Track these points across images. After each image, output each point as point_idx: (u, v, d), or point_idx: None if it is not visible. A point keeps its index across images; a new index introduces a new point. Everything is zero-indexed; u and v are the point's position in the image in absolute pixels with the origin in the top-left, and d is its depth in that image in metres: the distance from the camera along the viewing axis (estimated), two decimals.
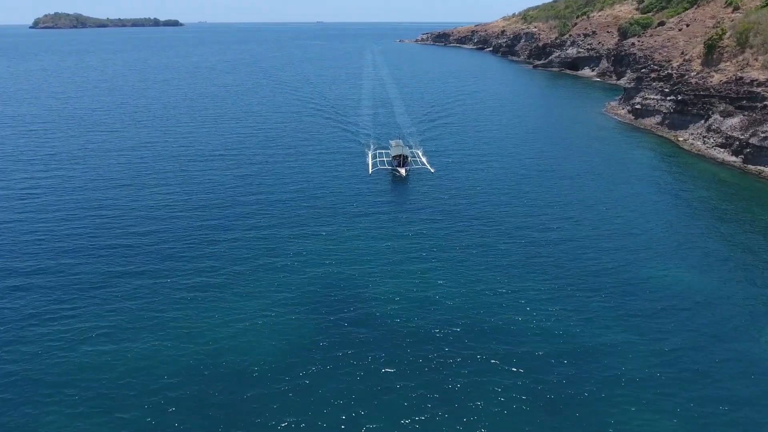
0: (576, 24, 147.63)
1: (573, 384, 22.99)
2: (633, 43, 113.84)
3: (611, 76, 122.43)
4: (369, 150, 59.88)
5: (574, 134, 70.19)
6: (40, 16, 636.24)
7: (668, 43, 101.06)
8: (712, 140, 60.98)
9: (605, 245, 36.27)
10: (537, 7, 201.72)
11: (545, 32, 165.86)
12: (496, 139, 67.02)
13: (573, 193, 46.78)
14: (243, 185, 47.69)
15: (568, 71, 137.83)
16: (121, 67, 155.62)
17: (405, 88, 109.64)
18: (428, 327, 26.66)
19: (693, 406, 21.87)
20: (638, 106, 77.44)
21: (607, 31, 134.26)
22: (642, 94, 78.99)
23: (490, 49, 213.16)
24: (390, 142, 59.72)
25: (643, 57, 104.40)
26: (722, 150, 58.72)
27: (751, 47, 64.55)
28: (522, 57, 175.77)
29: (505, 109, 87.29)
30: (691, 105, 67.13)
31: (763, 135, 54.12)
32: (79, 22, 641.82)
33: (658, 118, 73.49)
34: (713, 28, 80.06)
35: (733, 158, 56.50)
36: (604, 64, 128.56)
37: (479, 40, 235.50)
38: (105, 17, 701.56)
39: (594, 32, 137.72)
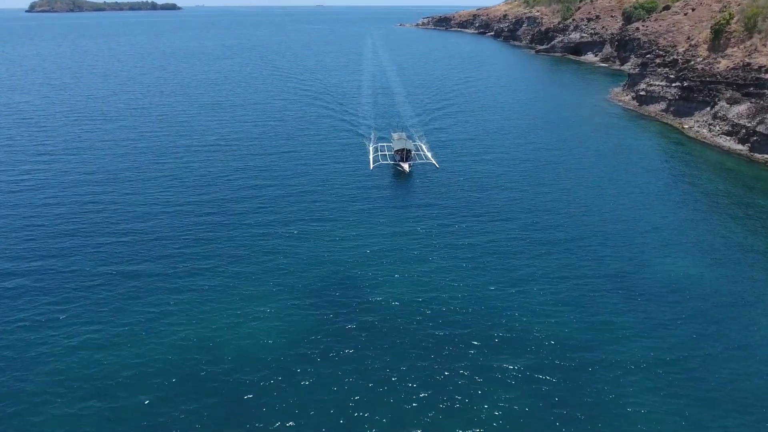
0: (579, 8, 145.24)
1: (578, 384, 22.49)
2: (637, 28, 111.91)
3: (615, 62, 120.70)
4: (370, 143, 57.17)
5: (579, 122, 69.05)
6: None
7: (673, 28, 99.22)
8: (718, 128, 59.96)
9: (612, 239, 35.53)
10: None
11: (548, 16, 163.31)
12: (500, 128, 65.52)
13: (579, 185, 45.78)
14: (240, 179, 46.04)
15: (570, 56, 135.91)
16: (117, 53, 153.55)
17: (406, 75, 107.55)
18: (431, 327, 26.02)
19: (700, 406, 21.40)
20: (643, 93, 76.22)
21: (611, 16, 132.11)
22: (647, 80, 77.72)
23: (492, 33, 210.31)
24: (392, 134, 57.18)
25: (648, 42, 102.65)
26: (728, 138, 57.74)
27: (760, 32, 63.14)
28: (524, 42, 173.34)
29: (509, 96, 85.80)
30: (697, 92, 65.97)
31: None
32: (75, 5, 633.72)
33: (663, 105, 72.34)
34: (720, 12, 78.38)
35: (740, 146, 55.56)
36: (607, 49, 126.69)
37: (481, 24, 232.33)
38: (102, 1, 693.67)
39: (597, 16, 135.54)
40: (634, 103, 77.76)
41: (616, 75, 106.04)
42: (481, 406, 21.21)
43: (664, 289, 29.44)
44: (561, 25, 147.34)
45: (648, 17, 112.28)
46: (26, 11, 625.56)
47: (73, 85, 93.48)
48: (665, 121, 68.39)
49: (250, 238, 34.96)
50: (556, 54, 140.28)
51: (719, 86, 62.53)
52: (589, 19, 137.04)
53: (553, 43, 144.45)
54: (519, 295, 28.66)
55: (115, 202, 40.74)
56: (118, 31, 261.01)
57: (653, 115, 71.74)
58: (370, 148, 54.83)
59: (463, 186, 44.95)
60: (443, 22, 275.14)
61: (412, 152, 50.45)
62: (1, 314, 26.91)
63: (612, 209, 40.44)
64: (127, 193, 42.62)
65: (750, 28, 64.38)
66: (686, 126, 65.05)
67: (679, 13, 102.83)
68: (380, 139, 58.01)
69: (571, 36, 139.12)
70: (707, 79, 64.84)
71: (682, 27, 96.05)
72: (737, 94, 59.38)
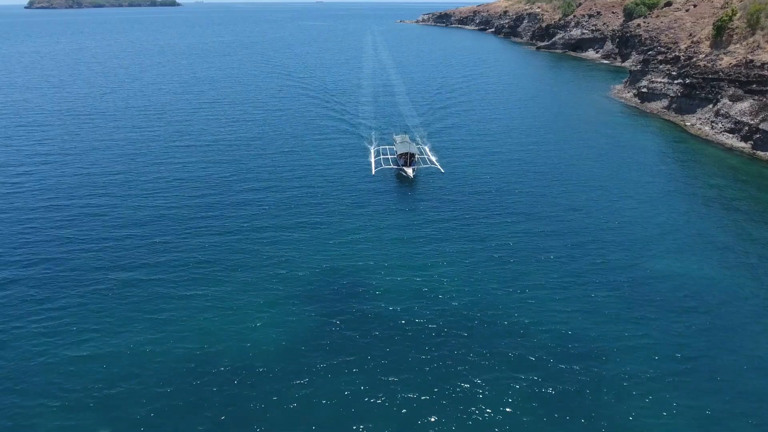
0: (580, 4, 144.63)
1: (582, 385, 22.26)
2: (639, 24, 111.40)
3: (616, 58, 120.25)
4: (371, 145, 54.78)
5: (581, 119, 68.64)
6: None
7: (675, 25, 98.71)
8: (720, 125, 59.60)
9: (615, 238, 35.24)
10: None
11: (549, 13, 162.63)
12: (503, 127, 64.31)
13: (582, 184, 45.37)
14: (238, 182, 44.37)
15: (571, 53, 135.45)
16: (116, 50, 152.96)
17: (407, 73, 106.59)
18: (433, 328, 25.70)
19: (707, 406, 21.16)
20: (644, 90, 75.82)
21: (612, 12, 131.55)
22: (648, 77, 77.29)
23: (493, 30, 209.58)
24: (394, 137, 54.50)
25: (649, 39, 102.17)
26: (731, 135, 57.40)
27: (762, 29, 62.71)
28: (525, 38, 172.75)
29: (511, 94, 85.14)
30: (699, 89, 65.57)
31: None
32: (75, 1, 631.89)
33: (664, 102, 71.97)
34: (722, 8, 77.84)
35: (742, 144, 55.23)
36: (608, 45, 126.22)
37: (481, 20, 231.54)
38: None
39: (599, 13, 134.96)
40: (636, 100, 77.37)
41: (618, 72, 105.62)
42: (483, 413, 20.92)
43: (671, 291, 29.08)
44: (562, 22, 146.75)
45: (649, 14, 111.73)
46: (25, 8, 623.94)
47: (72, 84, 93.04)
48: (667, 119, 68.02)
49: (249, 243, 33.98)
50: (557, 51, 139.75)
51: (722, 83, 62.13)
52: (590, 16, 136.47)
53: (554, 39, 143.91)
54: (523, 300, 28.18)
55: (112, 204, 40.12)
56: (117, 28, 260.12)
57: (655, 112, 71.36)
58: (372, 151, 52.77)
59: (469, 191, 42.86)
60: (443, 18, 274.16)
61: (416, 156, 48.07)
62: None
63: (616, 209, 40.10)
64: (125, 195, 41.97)
65: (753, 25, 63.94)
66: (688, 123, 64.68)
67: (680, 10, 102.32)
68: (382, 141, 55.96)
69: (572, 32, 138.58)
70: (709, 76, 64.43)
71: (683, 23, 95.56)
72: (740, 91, 58.99)
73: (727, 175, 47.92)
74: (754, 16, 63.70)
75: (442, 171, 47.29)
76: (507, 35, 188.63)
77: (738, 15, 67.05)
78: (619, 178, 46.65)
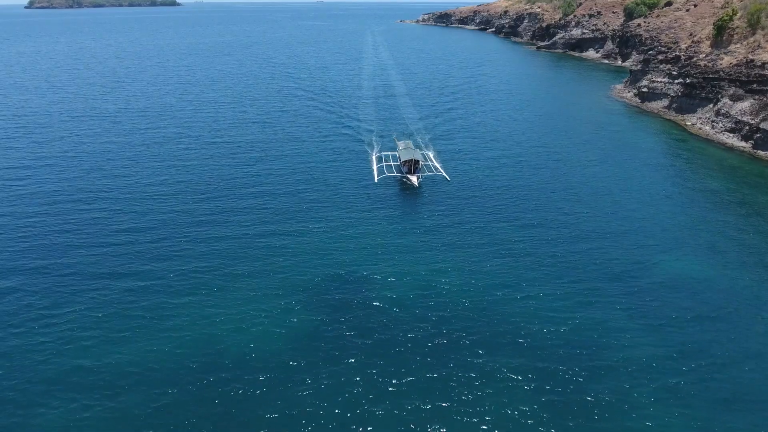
0: (580, 4, 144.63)
1: (584, 391, 22.20)
2: (639, 24, 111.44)
3: (616, 58, 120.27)
4: (373, 151, 52.59)
5: (583, 120, 68.50)
6: None
7: (675, 24, 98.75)
8: (721, 125, 59.64)
9: (619, 240, 35.11)
10: None
11: (549, 12, 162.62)
12: (506, 129, 63.15)
13: (585, 184, 45.15)
14: (236, 189, 43.08)
15: (572, 53, 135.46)
16: (115, 49, 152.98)
17: (408, 74, 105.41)
18: (436, 332, 25.54)
19: (711, 410, 21.15)
20: (645, 90, 75.85)
21: (613, 12, 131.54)
22: (649, 76, 77.33)
23: (493, 29, 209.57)
24: (397, 142, 52.59)
25: (650, 38, 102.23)
26: (731, 135, 57.44)
27: (763, 29, 62.76)
28: (525, 38, 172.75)
29: (512, 95, 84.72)
30: (700, 88, 65.62)
31: None
32: (75, 1, 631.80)
33: (665, 102, 72.01)
34: (722, 8, 77.90)
35: (743, 143, 55.27)
36: (609, 45, 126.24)
37: (481, 20, 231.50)
38: None
39: (599, 12, 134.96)
40: (636, 99, 77.40)
41: (618, 71, 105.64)
42: (486, 413, 20.88)
43: (674, 292, 29.00)
44: (562, 22, 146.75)
45: (650, 13, 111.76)
46: (25, 7, 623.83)
47: (72, 84, 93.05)
48: (668, 118, 68.05)
49: (250, 249, 33.28)
50: (558, 50, 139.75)
51: (722, 83, 62.17)
52: (590, 15, 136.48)
53: (554, 39, 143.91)
54: (528, 304, 27.99)
55: (113, 208, 39.66)
56: (117, 28, 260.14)
57: (656, 111, 71.39)
58: (374, 158, 50.72)
59: (475, 198, 41.45)
60: (444, 18, 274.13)
61: (421, 163, 46.02)
62: None
63: (619, 210, 39.97)
64: (126, 198, 41.61)
65: (753, 25, 63.98)
66: (689, 123, 64.72)
67: (681, 9, 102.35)
68: (384, 146, 54.14)
69: (572, 32, 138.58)
70: (710, 75, 64.46)
71: (684, 23, 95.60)
72: (740, 91, 59.03)
73: (727, 174, 47.96)
74: (755, 16, 63.74)
75: (448, 179, 45.18)
76: (507, 35, 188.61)
77: (738, 15, 67.09)
78: (621, 179, 46.55)
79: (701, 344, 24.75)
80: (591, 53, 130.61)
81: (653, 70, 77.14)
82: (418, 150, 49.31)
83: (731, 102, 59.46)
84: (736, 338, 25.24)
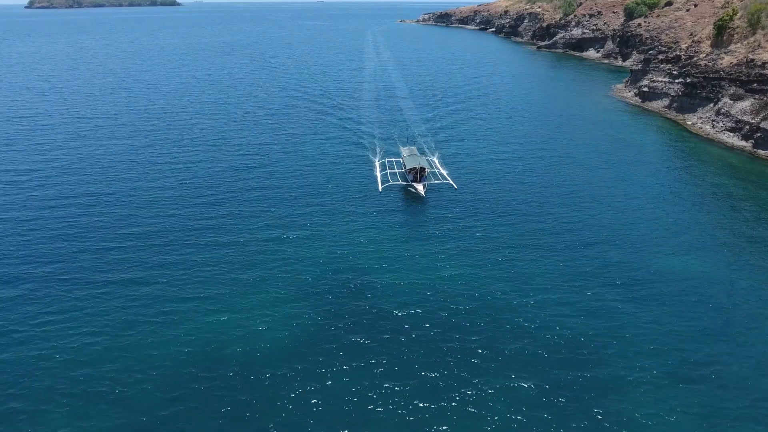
0: (581, 4, 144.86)
1: (591, 389, 22.28)
2: (639, 24, 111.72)
3: (617, 58, 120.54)
4: (376, 158, 50.57)
5: (585, 120, 68.47)
6: None
7: (676, 24, 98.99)
8: (721, 124, 59.89)
9: (622, 240, 35.11)
10: None
11: (549, 12, 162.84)
12: (510, 131, 62.36)
13: (588, 184, 45.06)
14: (237, 193, 42.23)
15: (572, 53, 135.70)
16: (115, 50, 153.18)
17: (409, 75, 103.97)
18: (440, 332, 25.55)
19: (722, 415, 21.21)
20: (645, 89, 76.10)
21: (613, 11, 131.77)
22: (649, 76, 77.58)
23: (493, 29, 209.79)
24: (402, 149, 50.84)
25: (650, 38, 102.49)
26: (732, 134, 57.69)
27: (763, 28, 62.99)
28: (525, 38, 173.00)
29: (514, 95, 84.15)
30: (700, 88, 65.86)
31: None
32: (75, 1, 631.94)
33: (665, 101, 72.26)
34: (722, 8, 78.16)
35: (743, 143, 55.52)
36: (609, 45, 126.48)
37: (482, 20, 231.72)
38: None
39: (599, 12, 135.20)
40: (637, 99, 77.65)
41: (618, 71, 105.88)
42: (490, 415, 20.97)
43: (676, 293, 29.04)
44: (562, 21, 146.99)
45: (650, 13, 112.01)
46: (25, 7, 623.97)
47: (72, 84, 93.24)
48: (668, 118, 68.30)
49: (254, 255, 32.96)
50: (558, 50, 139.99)
51: (722, 82, 62.42)
52: (590, 15, 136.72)
53: (554, 39, 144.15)
54: (531, 303, 28.03)
55: (115, 207, 39.64)
56: (117, 28, 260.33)
57: (656, 111, 71.64)
58: (377, 164, 48.80)
59: (482, 204, 40.38)
60: (444, 18, 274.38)
61: (426, 170, 44.24)
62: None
63: (622, 210, 40.07)
64: (128, 198, 41.59)
65: (753, 24, 64.22)
66: (689, 122, 64.97)
67: (681, 9, 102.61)
68: (387, 151, 52.58)
69: (572, 32, 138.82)
70: (710, 75, 64.71)
71: (684, 23, 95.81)
72: (741, 91, 59.28)
73: (727, 173, 48.20)
74: (755, 16, 63.98)
75: (455, 187, 43.47)
76: (508, 35, 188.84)
77: (738, 15, 67.33)
78: (623, 179, 46.61)
79: (710, 348, 24.64)
80: (591, 53, 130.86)
81: (654, 70, 77.39)
82: (423, 156, 47.48)
83: (731, 101, 59.72)
84: (746, 342, 25.15)
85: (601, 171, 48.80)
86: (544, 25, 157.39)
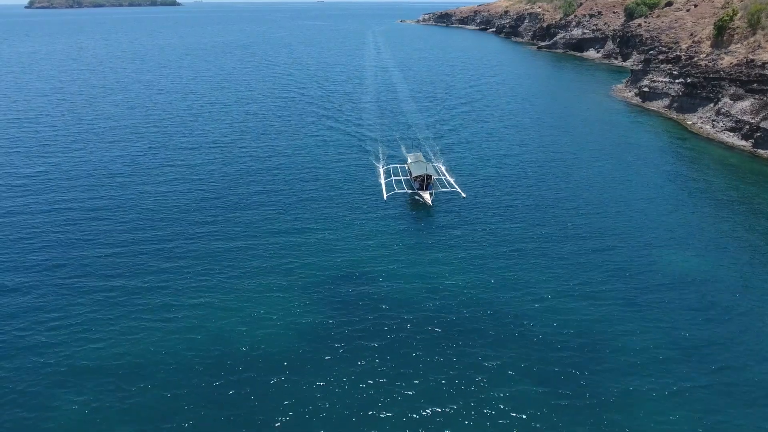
0: (581, 4, 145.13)
1: (596, 390, 22.47)
2: (639, 24, 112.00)
3: (617, 58, 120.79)
4: (380, 164, 49.01)
5: (587, 120, 68.58)
6: None
7: (676, 24, 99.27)
8: (721, 124, 60.15)
9: (625, 240, 35.24)
10: None
11: (549, 12, 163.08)
12: (513, 132, 62.10)
13: (591, 184, 45.11)
14: (240, 197, 41.52)
15: (572, 53, 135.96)
16: (115, 50, 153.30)
17: (411, 76, 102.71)
18: (443, 333, 25.62)
19: (723, 410, 21.38)
20: (646, 89, 76.36)
21: (613, 12, 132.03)
22: (650, 76, 77.84)
23: (493, 29, 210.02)
24: (407, 155, 49.16)
25: (650, 38, 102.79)
26: (732, 134, 57.94)
27: (763, 29, 63.27)
28: (526, 38, 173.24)
29: (516, 96, 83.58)
30: (701, 88, 66.12)
31: None
32: (75, 1, 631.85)
33: (666, 101, 72.51)
34: (722, 8, 78.44)
35: (743, 142, 55.78)
36: (609, 45, 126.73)
37: (482, 20, 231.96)
38: None
39: (599, 12, 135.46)
40: (637, 99, 77.90)
41: (618, 71, 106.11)
42: (493, 414, 21.14)
43: (680, 291, 29.17)
44: (563, 22, 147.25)
45: (650, 13, 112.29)
46: (25, 7, 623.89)
47: (72, 85, 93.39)
48: (669, 117, 68.56)
49: (258, 252, 33.31)
50: (558, 50, 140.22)
51: (722, 82, 62.68)
52: (590, 15, 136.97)
53: (555, 39, 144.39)
54: (534, 303, 28.16)
55: (117, 209, 39.57)
56: (117, 28, 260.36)
57: (656, 111, 71.89)
58: (381, 171, 47.17)
59: (492, 218, 38.73)
60: (444, 18, 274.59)
61: (433, 178, 42.62)
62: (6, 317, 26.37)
63: (622, 209, 40.28)
64: (132, 196, 41.73)
65: (753, 25, 64.49)
66: (690, 122, 65.23)
67: (681, 10, 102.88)
68: (391, 157, 51.05)
69: (573, 32, 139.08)
70: (710, 75, 64.97)
71: (684, 23, 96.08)
72: (741, 91, 59.54)
73: (727, 173, 48.45)
74: (755, 16, 64.25)
75: (464, 195, 41.87)
76: (508, 35, 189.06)
77: (739, 15, 67.60)
78: (625, 179, 46.72)
79: (712, 345, 24.77)
80: (592, 53, 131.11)
81: (654, 70, 77.65)
82: (430, 163, 45.81)
83: (731, 101, 59.98)
84: (747, 339, 25.28)
85: (603, 171, 48.97)
86: (545, 25, 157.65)
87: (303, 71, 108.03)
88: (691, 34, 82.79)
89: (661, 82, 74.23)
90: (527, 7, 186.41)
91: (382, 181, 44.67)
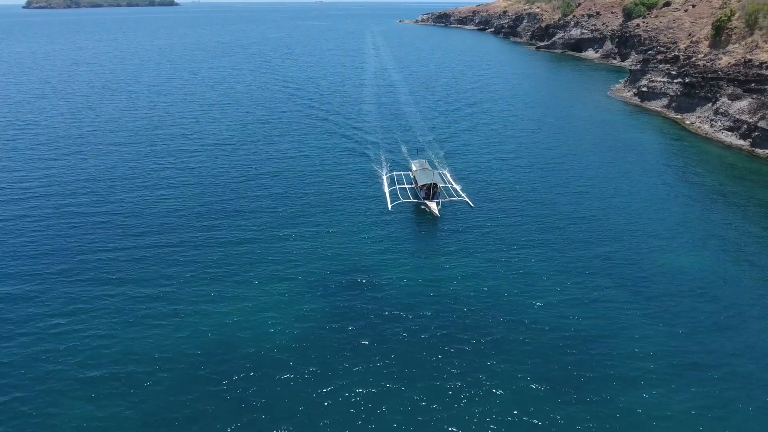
0: (579, 4, 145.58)
1: (600, 391, 22.62)
2: (638, 24, 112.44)
3: (615, 58, 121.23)
4: (383, 171, 47.08)
5: (584, 119, 68.94)
6: None
7: (674, 24, 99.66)
8: (719, 123, 60.55)
9: (626, 240, 35.47)
10: None
11: (548, 13, 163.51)
12: (516, 134, 61.94)
13: (593, 185, 45.29)
14: (240, 203, 40.82)
15: (571, 53, 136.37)
16: (113, 50, 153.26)
17: (411, 77, 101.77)
18: (447, 334, 25.80)
19: (732, 414, 21.58)
20: (644, 89, 76.75)
21: (612, 12, 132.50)
22: (648, 76, 78.24)
23: (492, 29, 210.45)
24: (412, 162, 47.52)
25: (649, 38, 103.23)
26: (730, 133, 58.33)
27: (761, 29, 63.68)
28: (524, 38, 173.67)
29: (516, 97, 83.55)
30: (699, 88, 66.53)
31: None
32: (73, 1, 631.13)
33: (664, 101, 72.91)
34: (720, 8, 78.86)
35: (741, 142, 56.17)
36: (608, 45, 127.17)
37: (481, 20, 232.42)
38: None
39: (598, 13, 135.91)
40: (636, 99, 78.28)
41: (617, 71, 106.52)
42: (498, 415, 21.32)
43: (683, 291, 29.40)
44: (561, 22, 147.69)
45: (648, 14, 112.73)
46: (23, 7, 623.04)
47: (72, 85, 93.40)
48: (667, 117, 68.95)
49: (262, 256, 33.33)
50: (557, 50, 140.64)
51: (721, 82, 63.08)
52: (589, 16, 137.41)
53: (553, 39, 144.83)
54: (538, 305, 28.34)
55: (118, 211, 39.62)
56: (115, 28, 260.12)
57: (655, 110, 72.29)
58: (385, 179, 45.26)
59: (497, 224, 37.88)
60: (443, 18, 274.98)
61: (439, 186, 41.09)
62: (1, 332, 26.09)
63: (624, 209, 40.57)
64: (134, 199, 41.77)
65: (751, 25, 64.91)
66: (688, 122, 65.63)
67: (679, 10, 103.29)
68: (394, 164, 49.36)
69: (571, 32, 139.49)
70: (709, 75, 65.37)
71: (682, 23, 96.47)
72: (739, 90, 59.94)
73: (725, 172, 48.81)
74: (753, 16, 64.67)
75: (471, 205, 40.27)
76: (506, 35, 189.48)
77: (736, 15, 68.02)
78: (625, 179, 46.96)
79: (716, 345, 24.99)
80: (590, 53, 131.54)
81: (652, 70, 78.04)
82: (435, 171, 44.14)
83: (730, 101, 60.38)
84: (750, 338, 25.44)
85: (604, 172, 49.09)
86: (543, 25, 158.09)
87: (303, 72, 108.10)
88: (689, 34, 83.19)
89: (660, 82, 74.62)
90: (526, 7, 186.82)
91: (386, 190, 42.84)
